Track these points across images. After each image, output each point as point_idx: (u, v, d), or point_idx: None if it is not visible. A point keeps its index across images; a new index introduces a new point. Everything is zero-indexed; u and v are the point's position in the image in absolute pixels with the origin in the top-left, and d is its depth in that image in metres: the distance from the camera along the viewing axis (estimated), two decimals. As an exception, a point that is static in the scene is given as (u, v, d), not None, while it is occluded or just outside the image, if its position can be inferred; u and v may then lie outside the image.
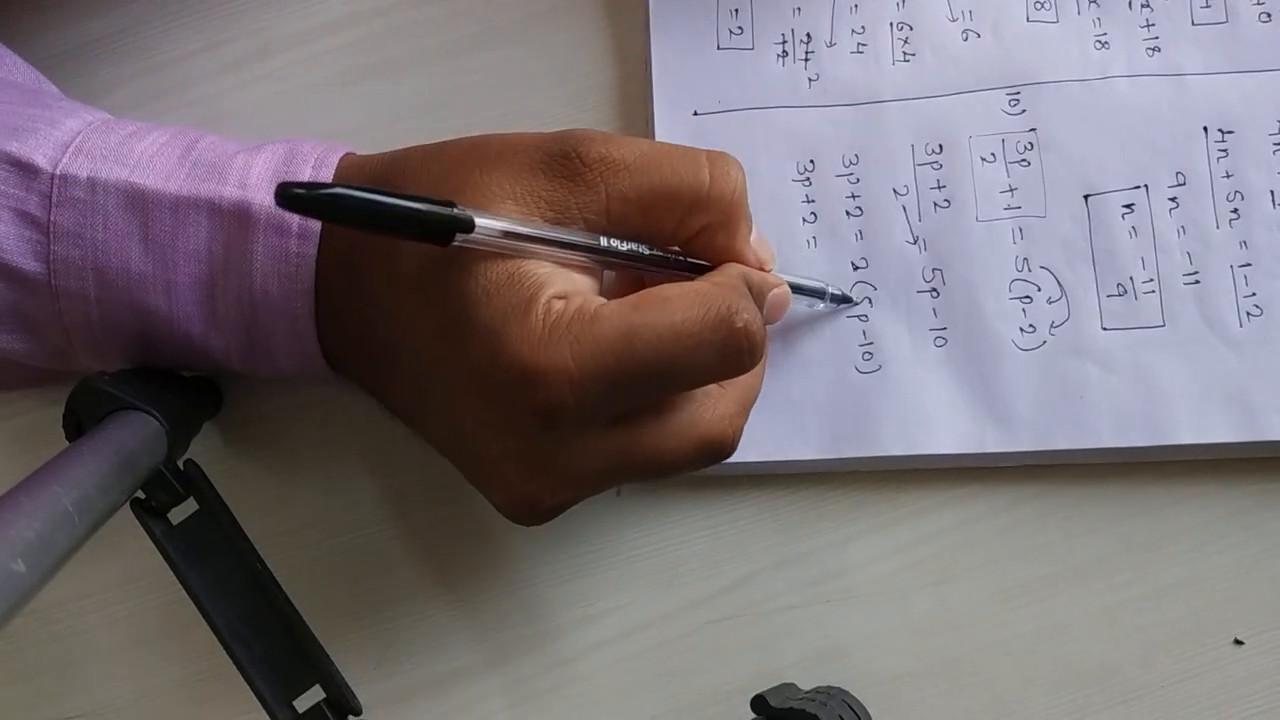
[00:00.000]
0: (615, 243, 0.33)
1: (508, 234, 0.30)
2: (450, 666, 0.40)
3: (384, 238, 0.31)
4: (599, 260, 0.33)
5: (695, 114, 0.41)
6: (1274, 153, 0.39)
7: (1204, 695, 0.38)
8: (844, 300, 0.40)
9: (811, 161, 0.40)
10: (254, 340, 0.35)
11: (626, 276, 0.36)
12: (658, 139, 0.41)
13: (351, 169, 0.35)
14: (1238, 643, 0.38)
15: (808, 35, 0.41)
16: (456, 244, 0.29)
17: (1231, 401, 0.38)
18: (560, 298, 0.31)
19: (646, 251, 0.33)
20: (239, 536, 0.35)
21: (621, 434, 0.32)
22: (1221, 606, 0.39)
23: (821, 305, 0.39)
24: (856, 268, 0.40)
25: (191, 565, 0.35)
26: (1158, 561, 0.39)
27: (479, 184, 0.32)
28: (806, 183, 0.40)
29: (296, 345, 0.35)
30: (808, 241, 0.40)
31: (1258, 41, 0.40)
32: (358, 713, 0.35)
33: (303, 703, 0.34)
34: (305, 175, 0.35)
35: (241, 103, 0.42)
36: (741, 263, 0.35)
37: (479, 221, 0.29)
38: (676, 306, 0.31)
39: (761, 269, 0.35)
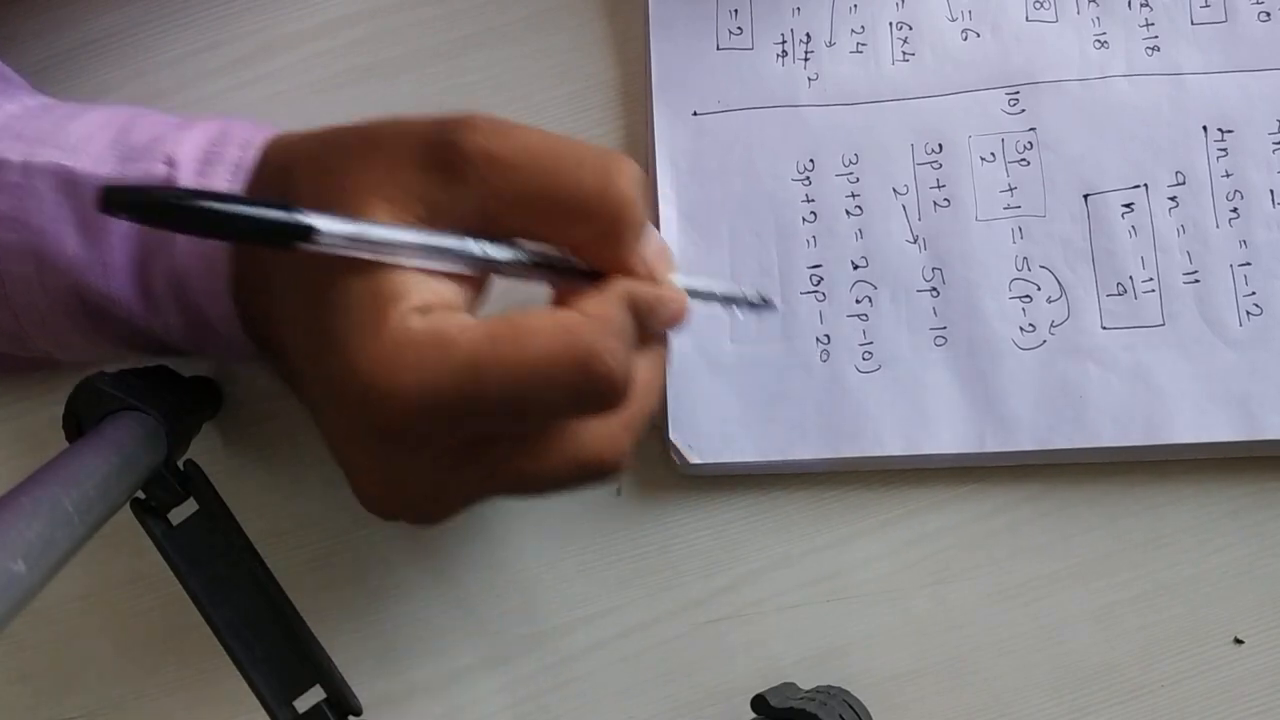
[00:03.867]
0: (488, 249, 0.30)
1: (357, 240, 0.28)
2: (450, 666, 0.40)
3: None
4: (467, 267, 0.30)
5: (695, 114, 0.41)
6: (1273, 152, 0.39)
7: (1204, 695, 0.38)
8: (764, 305, 0.38)
9: (811, 161, 0.41)
10: (192, 320, 0.35)
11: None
12: (658, 139, 0.41)
13: (272, 152, 0.34)
14: (1238, 642, 0.38)
15: (807, 35, 0.41)
16: (307, 248, 0.27)
17: (1231, 401, 0.38)
18: (421, 310, 0.29)
19: (526, 259, 0.31)
20: (239, 536, 0.35)
21: (483, 456, 0.30)
22: (1221, 606, 0.39)
23: (737, 311, 0.38)
24: (856, 267, 0.40)
25: (191, 565, 0.35)
26: (1157, 561, 0.39)
27: (356, 180, 0.29)
28: (806, 182, 0.40)
29: (224, 325, 0.35)
30: (808, 241, 0.40)
31: (1257, 41, 0.40)
32: (358, 713, 0.35)
33: (303, 703, 0.34)
34: (231, 157, 0.34)
35: (241, 103, 0.42)
36: (627, 274, 0.32)
37: (321, 226, 0.27)
38: (532, 343, 0.28)
39: (653, 279, 0.32)
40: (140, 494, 0.34)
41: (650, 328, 0.32)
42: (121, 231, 0.34)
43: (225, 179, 0.34)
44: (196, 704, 0.40)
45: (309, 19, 0.43)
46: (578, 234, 0.31)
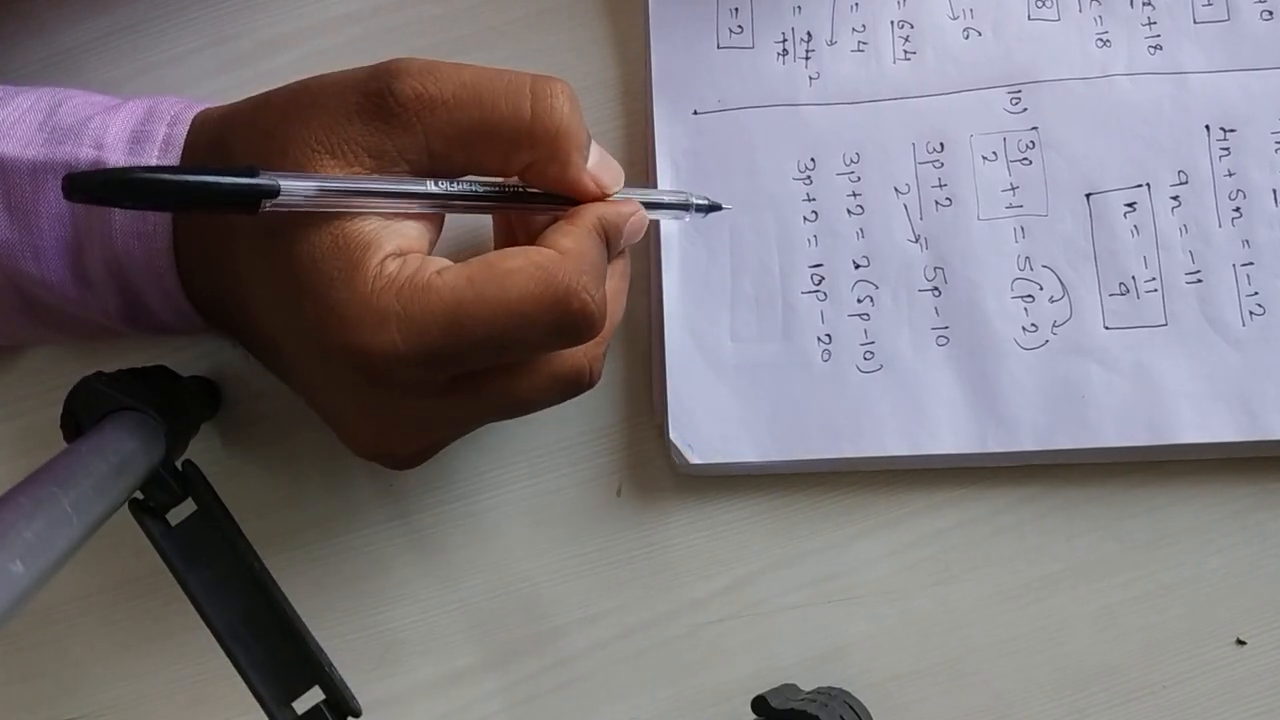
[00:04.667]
0: (443, 185, 0.31)
1: (322, 192, 0.29)
2: (450, 666, 0.40)
3: None
4: (429, 206, 0.31)
5: (695, 113, 0.41)
6: (1276, 151, 0.39)
7: (1205, 695, 0.38)
8: (712, 208, 0.38)
9: (812, 160, 0.40)
10: (129, 300, 0.35)
11: (499, 216, 0.35)
12: (658, 138, 0.41)
13: (203, 126, 0.35)
14: (1239, 643, 0.38)
15: (808, 34, 0.41)
16: (270, 210, 0.28)
17: (1234, 400, 0.38)
18: (396, 256, 0.30)
19: (480, 189, 0.32)
20: (237, 537, 0.35)
21: (466, 383, 0.31)
22: (1223, 606, 0.38)
23: (688, 217, 0.38)
24: (858, 266, 0.40)
25: (190, 566, 0.34)
26: (1158, 561, 0.39)
27: (298, 139, 0.30)
28: (807, 181, 0.40)
29: (169, 303, 0.35)
30: (809, 240, 0.40)
31: (1259, 39, 0.40)
32: (357, 714, 0.35)
33: (302, 704, 0.34)
34: (160, 134, 0.34)
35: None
36: (579, 195, 0.33)
37: (284, 184, 0.28)
38: (512, 283, 0.29)
39: (605, 194, 0.33)
40: (138, 494, 0.34)
41: (616, 244, 0.34)
42: (51, 214, 0.34)
43: (155, 156, 0.34)
44: (196, 704, 0.40)
45: (309, 17, 0.43)
46: (523, 159, 0.32)
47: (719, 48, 0.41)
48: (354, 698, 0.34)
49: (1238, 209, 0.39)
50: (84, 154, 0.34)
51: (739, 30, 0.41)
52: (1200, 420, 0.38)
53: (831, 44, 0.41)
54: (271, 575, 0.35)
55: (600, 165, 0.33)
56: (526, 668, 0.40)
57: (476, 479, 0.41)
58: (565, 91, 0.31)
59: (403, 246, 0.30)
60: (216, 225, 0.33)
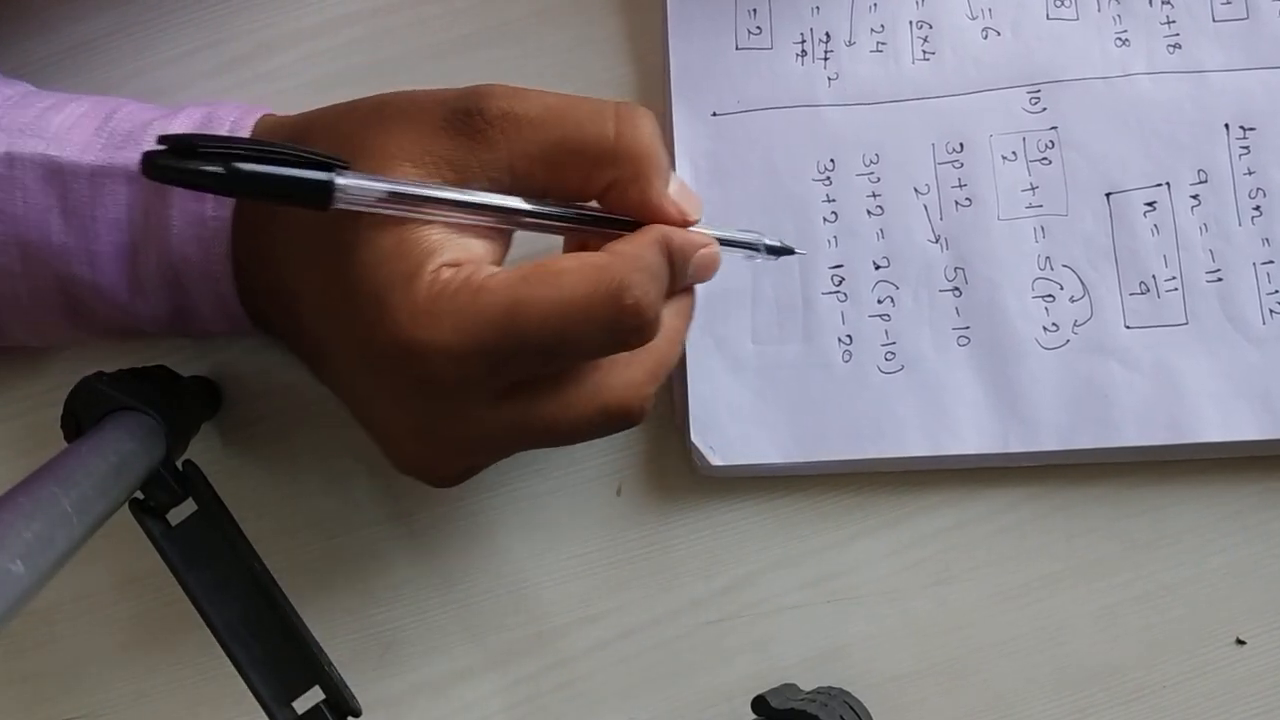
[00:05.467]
0: (519, 202, 0.31)
1: (397, 195, 0.29)
2: (450, 666, 0.40)
3: None
4: (506, 221, 0.31)
5: (714, 114, 0.41)
6: None
7: (1205, 695, 0.38)
8: (784, 251, 0.38)
9: (832, 161, 0.40)
10: (179, 304, 0.35)
11: (572, 239, 0.35)
12: (677, 140, 0.41)
13: (267, 132, 0.35)
14: (1239, 642, 0.38)
15: (826, 34, 0.41)
16: (338, 208, 0.28)
17: (1255, 399, 0.38)
18: (451, 265, 0.30)
19: (558, 210, 0.32)
20: (238, 537, 0.35)
21: (516, 403, 0.31)
22: (1223, 606, 0.38)
23: (759, 258, 0.38)
24: (878, 267, 0.40)
25: (190, 566, 0.34)
26: (1159, 561, 0.39)
27: (379, 145, 0.31)
28: (827, 182, 0.40)
29: (220, 306, 0.35)
30: (829, 241, 0.40)
31: (1279, 38, 0.40)
32: (357, 713, 0.35)
33: (302, 704, 0.34)
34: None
35: (241, 102, 0.42)
36: (659, 218, 0.33)
37: (357, 183, 0.29)
38: (565, 281, 0.29)
39: (685, 222, 0.33)
40: (139, 494, 0.34)
41: (683, 273, 0.33)
42: (108, 220, 0.34)
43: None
44: (196, 704, 0.40)
45: (308, 18, 0.43)
46: (604, 180, 0.32)
47: (737, 49, 0.41)
48: (354, 697, 0.34)
49: (1258, 207, 0.39)
50: None
51: (757, 31, 0.41)
52: (1222, 419, 0.38)
53: (850, 44, 0.41)
54: (271, 575, 0.35)
55: (681, 193, 0.33)
56: (526, 668, 0.40)
57: (476, 479, 0.40)
58: (649, 116, 0.32)
59: (460, 258, 0.30)
60: (274, 225, 0.33)
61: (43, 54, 0.42)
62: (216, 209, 0.34)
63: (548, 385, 0.31)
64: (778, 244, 0.37)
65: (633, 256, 0.31)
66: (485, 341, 0.29)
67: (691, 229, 0.33)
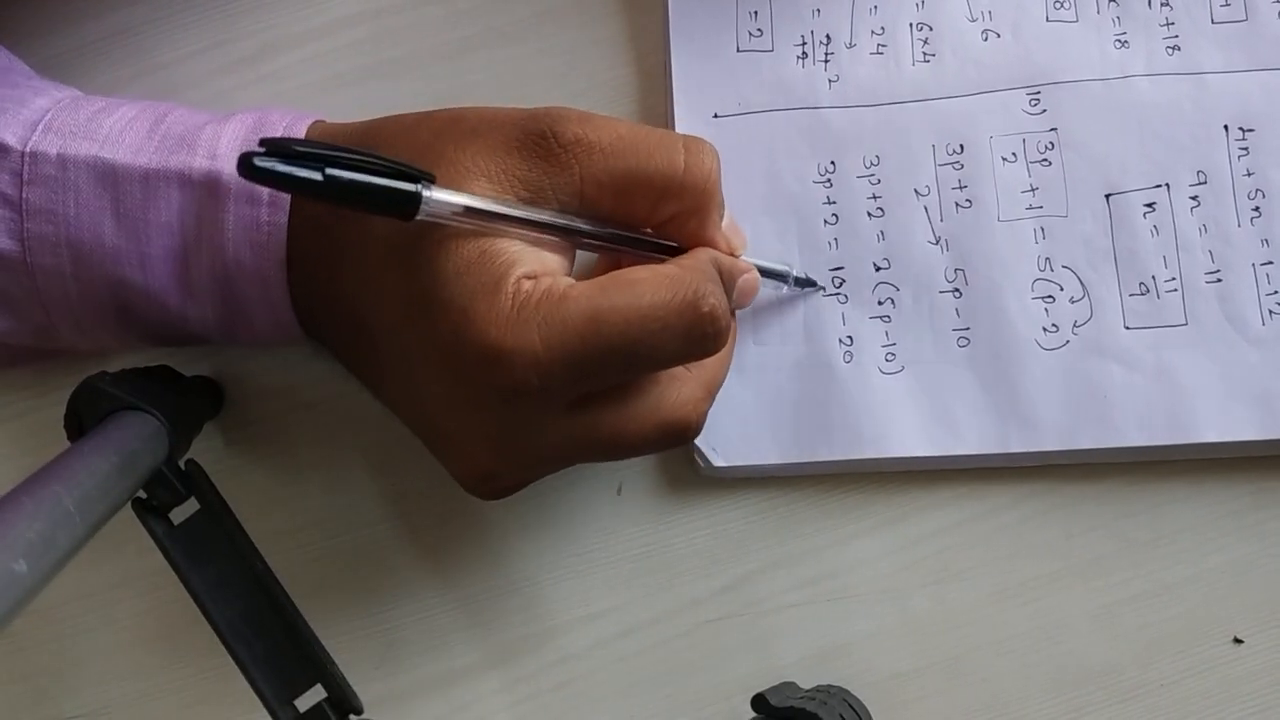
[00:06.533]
0: (586, 224, 0.32)
1: (477, 211, 0.30)
2: (451, 666, 0.40)
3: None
4: (571, 240, 0.33)
5: (715, 116, 0.41)
6: None
7: (1203, 694, 0.38)
8: (807, 284, 0.40)
9: (832, 163, 0.41)
10: (230, 310, 0.36)
11: (605, 259, 0.36)
12: None
13: (324, 138, 0.35)
14: (1237, 641, 0.38)
15: (827, 37, 0.41)
16: (422, 219, 0.29)
17: (1255, 399, 0.38)
18: (530, 277, 0.31)
19: (618, 233, 0.33)
20: (240, 536, 0.35)
21: (584, 416, 0.32)
22: (1221, 605, 0.39)
23: (785, 289, 0.40)
24: (879, 269, 0.40)
25: (193, 565, 0.35)
26: (1157, 560, 0.39)
27: (454, 160, 0.31)
28: (828, 184, 0.40)
29: (271, 313, 0.36)
30: (829, 243, 0.40)
31: (1277, 39, 0.40)
32: (359, 712, 0.35)
33: (304, 702, 0.34)
34: None
35: (242, 103, 0.42)
36: (713, 248, 0.35)
37: (443, 197, 0.29)
38: (644, 289, 0.31)
39: (732, 255, 0.35)
40: (142, 493, 0.34)
41: (729, 295, 0.35)
42: (160, 223, 0.34)
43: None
44: (198, 702, 0.40)
45: (312, 19, 0.43)
46: (667, 211, 0.33)
47: (739, 51, 0.41)
48: (356, 695, 0.35)
49: (1257, 208, 0.39)
50: (198, 163, 0.34)
51: (758, 34, 0.41)
52: (1221, 419, 0.38)
53: (851, 46, 0.41)
54: (273, 574, 0.35)
55: (730, 228, 0.36)
56: (527, 666, 0.40)
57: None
58: (714, 151, 0.33)
59: (538, 270, 0.31)
60: (339, 232, 0.34)
61: (46, 55, 0.42)
62: (271, 214, 0.34)
63: (614, 399, 0.32)
64: (804, 276, 0.39)
65: (699, 270, 0.32)
66: (570, 349, 0.30)
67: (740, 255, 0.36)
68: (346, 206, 0.29)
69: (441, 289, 0.30)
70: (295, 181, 0.28)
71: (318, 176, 0.28)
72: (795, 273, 0.39)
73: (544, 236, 0.32)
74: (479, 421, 0.32)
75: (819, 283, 0.40)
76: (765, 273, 0.38)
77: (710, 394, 0.35)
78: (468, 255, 0.31)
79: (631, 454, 0.33)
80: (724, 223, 0.35)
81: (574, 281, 0.31)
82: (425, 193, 0.29)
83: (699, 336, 0.31)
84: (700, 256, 0.34)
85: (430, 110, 0.34)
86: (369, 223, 0.32)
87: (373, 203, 0.29)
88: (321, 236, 0.34)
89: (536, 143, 0.31)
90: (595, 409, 0.32)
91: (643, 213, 0.33)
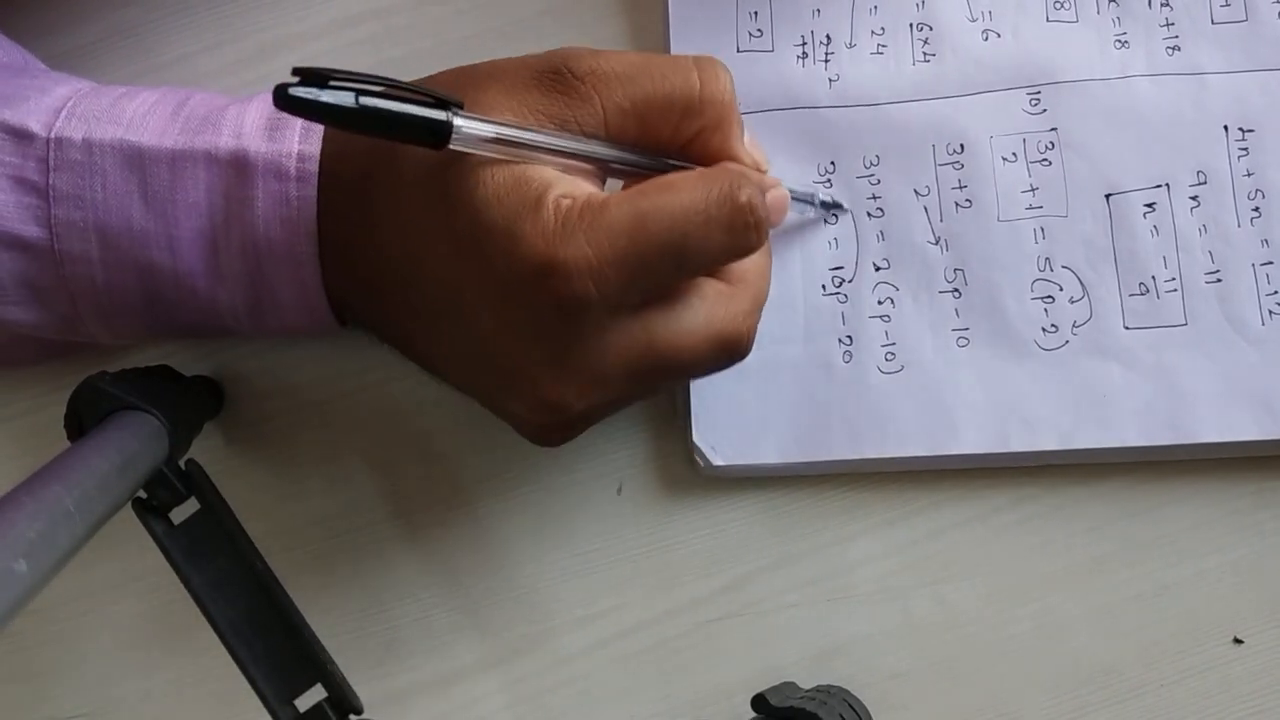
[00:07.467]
0: (616, 150, 0.33)
1: (508, 140, 0.31)
2: (451, 666, 0.40)
3: (384, 152, 0.31)
4: (599, 166, 0.33)
5: None
6: None
7: (1204, 694, 0.38)
8: (835, 206, 0.40)
9: (833, 163, 0.41)
10: (259, 293, 0.35)
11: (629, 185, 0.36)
12: None
13: None
14: (1237, 641, 0.38)
15: (827, 37, 0.41)
16: (454, 148, 0.30)
17: (1255, 399, 0.38)
18: (566, 197, 0.31)
19: (646, 159, 0.34)
20: (240, 536, 0.35)
21: (640, 328, 0.32)
22: (1221, 605, 0.39)
23: (811, 212, 0.40)
24: (878, 268, 0.40)
25: (193, 564, 0.35)
26: (1157, 561, 0.39)
27: (475, 100, 0.32)
28: (828, 184, 0.40)
29: (302, 294, 0.35)
30: (829, 243, 0.40)
31: (1277, 40, 0.40)
32: (359, 712, 0.35)
33: (304, 701, 0.34)
34: (297, 123, 0.35)
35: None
36: (738, 163, 0.35)
37: (473, 124, 0.30)
38: (681, 188, 0.31)
39: (757, 169, 0.35)
40: (142, 493, 0.34)
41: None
42: (188, 204, 0.34)
43: (295, 140, 0.34)
44: (196, 704, 0.40)
45: (311, 19, 0.43)
46: (692, 129, 0.34)
47: (739, 51, 0.41)
48: (356, 695, 0.35)
49: (1256, 209, 0.39)
50: (224, 142, 0.34)
51: (758, 34, 0.42)
52: (1221, 419, 0.38)
53: (851, 46, 0.41)
54: (273, 573, 0.35)
55: (753, 145, 0.36)
56: (527, 666, 0.40)
57: (479, 478, 0.41)
58: (726, 68, 0.34)
59: (572, 192, 0.31)
60: (374, 185, 0.34)
61: (45, 56, 0.42)
62: (300, 188, 0.34)
63: (667, 311, 0.33)
64: (830, 199, 0.40)
65: (731, 168, 0.33)
66: (620, 251, 0.30)
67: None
68: (378, 135, 0.29)
69: (484, 215, 0.31)
70: (329, 110, 0.28)
71: (351, 103, 0.28)
72: (822, 196, 0.39)
73: (574, 163, 0.32)
74: (537, 346, 0.32)
75: (846, 205, 0.40)
76: (793, 195, 0.38)
77: (757, 307, 0.35)
78: (504, 181, 0.31)
79: (690, 372, 0.34)
80: (746, 140, 0.35)
81: (610, 193, 0.32)
82: (456, 120, 0.29)
83: (741, 227, 0.31)
84: (729, 166, 0.34)
85: (438, 71, 0.34)
86: (400, 171, 0.33)
87: (405, 130, 0.29)
88: (353, 199, 0.34)
89: (554, 78, 0.32)
90: (649, 322, 0.32)
91: (667, 134, 0.34)
